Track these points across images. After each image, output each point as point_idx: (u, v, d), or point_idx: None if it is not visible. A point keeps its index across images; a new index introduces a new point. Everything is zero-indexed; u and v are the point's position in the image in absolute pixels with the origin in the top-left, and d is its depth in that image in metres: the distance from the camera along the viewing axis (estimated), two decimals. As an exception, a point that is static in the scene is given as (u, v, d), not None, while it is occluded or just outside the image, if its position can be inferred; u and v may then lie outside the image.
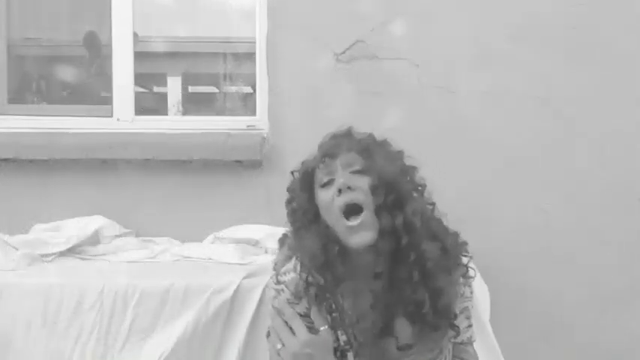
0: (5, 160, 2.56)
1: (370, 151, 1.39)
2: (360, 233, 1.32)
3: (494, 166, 2.50)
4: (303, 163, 1.44)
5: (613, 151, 2.49)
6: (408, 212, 1.34)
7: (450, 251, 1.39)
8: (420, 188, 1.41)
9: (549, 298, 2.50)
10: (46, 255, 2.30)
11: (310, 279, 1.37)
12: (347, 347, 1.39)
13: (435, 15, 2.51)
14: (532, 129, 2.50)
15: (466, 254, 1.43)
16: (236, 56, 4.55)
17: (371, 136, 1.45)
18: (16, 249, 2.29)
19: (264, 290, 2.00)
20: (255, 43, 2.67)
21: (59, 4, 3.98)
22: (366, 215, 1.32)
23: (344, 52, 2.52)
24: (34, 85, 3.77)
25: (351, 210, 1.33)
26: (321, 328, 1.37)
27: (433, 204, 1.42)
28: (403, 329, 1.37)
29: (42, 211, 2.53)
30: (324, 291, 1.37)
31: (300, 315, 1.39)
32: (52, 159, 2.55)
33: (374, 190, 1.34)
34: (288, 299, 1.40)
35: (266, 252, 2.36)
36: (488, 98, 2.50)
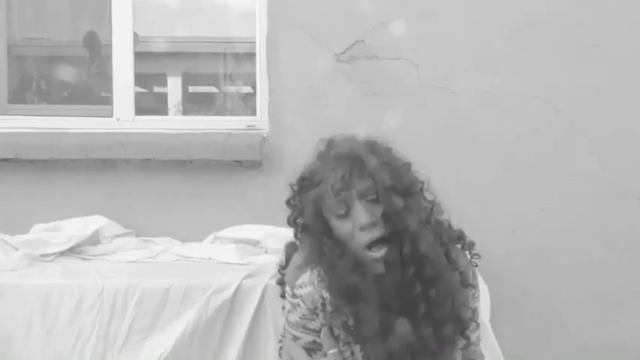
0: (5, 160, 2.55)
1: (380, 176, 1.36)
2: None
3: (494, 166, 2.50)
4: (304, 179, 1.40)
5: (613, 151, 2.49)
6: (422, 244, 1.34)
7: (465, 280, 1.41)
8: (432, 206, 1.41)
9: (549, 298, 2.50)
10: (46, 255, 2.29)
11: (325, 295, 1.35)
12: None
13: (435, 15, 2.51)
14: (532, 129, 2.49)
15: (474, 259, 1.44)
16: (236, 56, 4.55)
17: (376, 148, 1.41)
18: (16, 249, 2.28)
19: (264, 290, 2.00)
20: (255, 43, 2.67)
21: (59, 4, 3.98)
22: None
23: (344, 52, 2.51)
24: (34, 85, 3.78)
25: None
26: (330, 352, 1.36)
27: (448, 221, 1.43)
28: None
29: (42, 211, 2.53)
30: (344, 309, 1.35)
31: (315, 331, 1.38)
32: (52, 159, 2.54)
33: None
34: (304, 314, 1.39)
35: (266, 252, 2.36)
36: (488, 98, 2.50)
